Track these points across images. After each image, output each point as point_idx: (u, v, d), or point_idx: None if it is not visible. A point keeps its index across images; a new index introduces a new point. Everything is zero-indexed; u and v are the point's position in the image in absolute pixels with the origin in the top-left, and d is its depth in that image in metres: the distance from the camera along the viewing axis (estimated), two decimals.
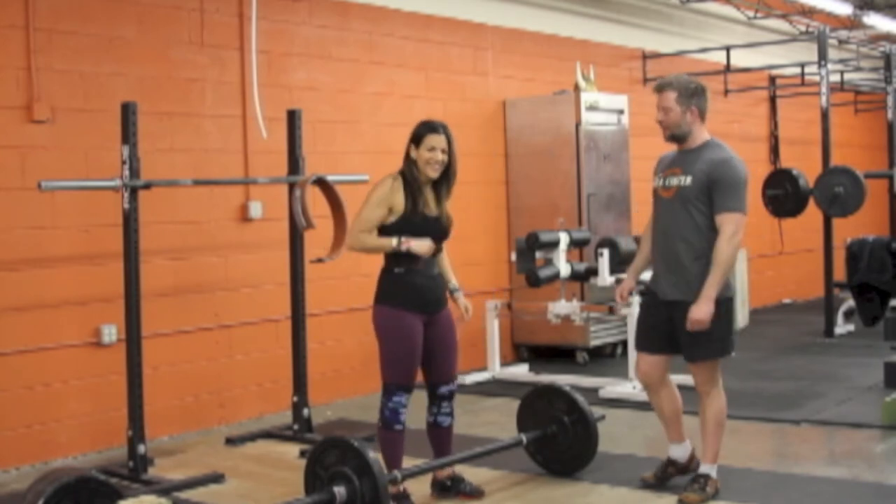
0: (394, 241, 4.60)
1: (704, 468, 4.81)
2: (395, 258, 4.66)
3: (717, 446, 4.80)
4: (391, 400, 4.67)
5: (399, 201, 4.64)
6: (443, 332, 4.79)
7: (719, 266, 4.56)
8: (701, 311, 4.55)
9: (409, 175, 4.68)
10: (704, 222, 4.63)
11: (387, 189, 4.65)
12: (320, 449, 4.42)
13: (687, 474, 4.92)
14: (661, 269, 4.80)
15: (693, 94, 4.72)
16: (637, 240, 6.31)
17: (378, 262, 4.79)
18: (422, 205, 4.66)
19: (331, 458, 4.33)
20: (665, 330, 4.78)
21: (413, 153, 4.69)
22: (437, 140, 4.65)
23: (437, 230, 4.72)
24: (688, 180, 4.66)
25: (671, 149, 4.89)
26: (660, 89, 4.77)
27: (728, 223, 4.58)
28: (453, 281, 4.95)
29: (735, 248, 4.59)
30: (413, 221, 4.64)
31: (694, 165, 4.67)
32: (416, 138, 4.69)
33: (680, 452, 4.96)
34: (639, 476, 5.05)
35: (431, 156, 4.65)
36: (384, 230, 4.66)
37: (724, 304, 4.70)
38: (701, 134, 4.76)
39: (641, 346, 5.01)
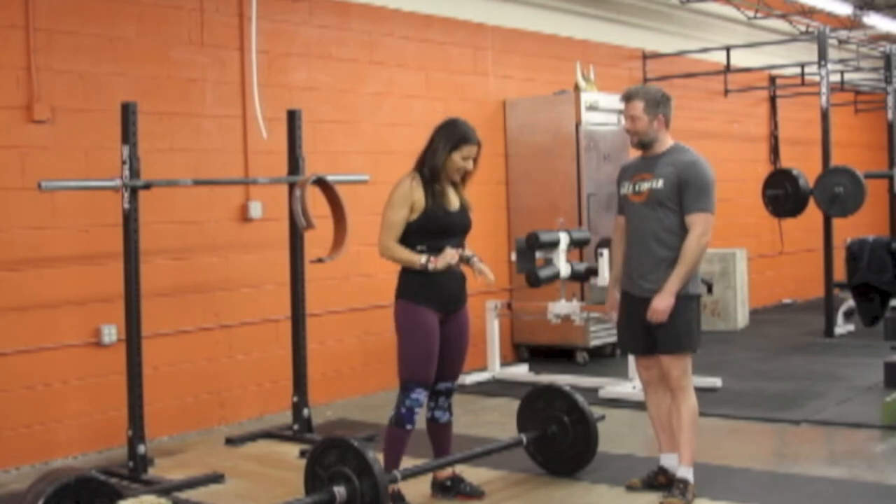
0: (422, 259, 4.58)
1: (683, 472, 4.81)
2: (419, 256, 4.67)
3: (693, 446, 4.84)
4: (409, 398, 4.64)
5: (419, 198, 4.65)
6: (458, 331, 4.79)
7: (685, 262, 4.69)
8: (662, 302, 4.67)
9: (431, 173, 4.68)
10: (676, 222, 4.75)
11: (406, 188, 4.66)
12: (320, 449, 4.42)
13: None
14: (636, 270, 4.86)
15: (659, 104, 4.85)
16: None
17: (378, 262, 4.79)
18: (443, 200, 4.69)
19: (331, 458, 4.33)
20: (644, 328, 4.82)
21: (443, 152, 4.66)
22: (472, 150, 4.72)
23: (460, 223, 4.76)
24: (659, 183, 4.77)
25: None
26: (627, 99, 4.88)
27: (698, 223, 4.71)
28: (467, 250, 4.87)
29: (703, 247, 4.73)
30: (437, 216, 4.66)
31: (663, 169, 4.80)
32: (455, 144, 4.67)
33: (672, 462, 4.94)
34: (634, 479, 5.03)
35: (464, 165, 4.71)
36: (408, 228, 4.66)
37: (695, 300, 4.84)
38: (666, 140, 4.90)
39: (631, 349, 5.10)
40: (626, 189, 4.92)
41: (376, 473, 4.20)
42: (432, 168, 4.68)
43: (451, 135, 4.69)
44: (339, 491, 4.22)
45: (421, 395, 4.67)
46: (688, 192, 4.72)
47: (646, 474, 5.01)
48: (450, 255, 4.62)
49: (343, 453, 4.30)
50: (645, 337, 4.84)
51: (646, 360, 4.95)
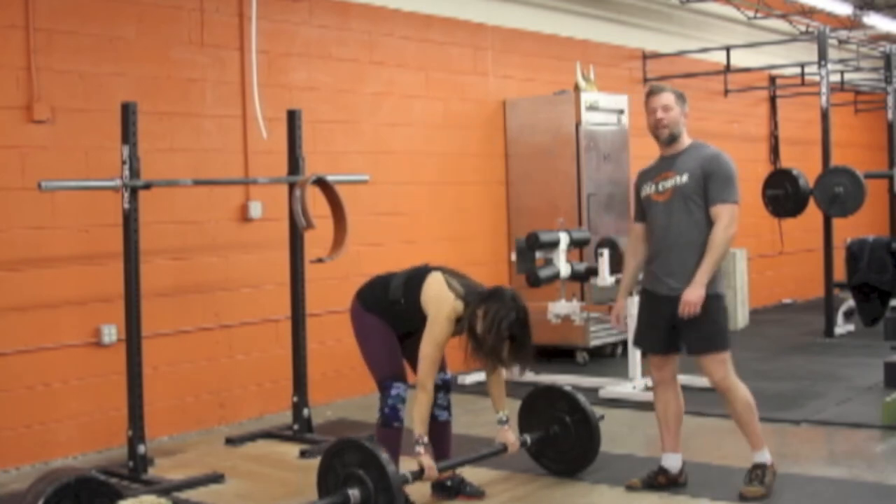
0: (420, 448, 4.53)
1: (757, 457, 4.84)
2: (404, 296, 4.67)
3: (757, 430, 4.85)
4: (389, 396, 4.68)
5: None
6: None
7: (713, 253, 4.70)
8: (693, 294, 4.66)
9: (465, 324, 4.53)
10: (703, 216, 4.76)
11: (449, 328, 4.57)
12: (339, 447, 4.38)
13: (676, 486, 4.93)
14: (663, 269, 4.84)
15: (683, 99, 4.92)
16: None
17: (378, 263, 4.79)
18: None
19: (350, 458, 4.30)
20: (667, 327, 4.82)
21: (496, 338, 4.46)
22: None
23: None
24: (684, 178, 4.78)
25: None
26: (658, 91, 4.92)
27: (724, 213, 4.73)
28: (501, 412, 4.89)
29: (730, 237, 4.74)
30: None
31: (687, 164, 4.81)
32: (503, 338, 4.49)
33: (673, 462, 4.96)
34: (634, 479, 5.03)
35: (492, 352, 4.53)
36: (395, 312, 4.69)
37: (722, 300, 4.85)
38: (686, 137, 4.92)
39: (649, 347, 5.07)
40: (649, 190, 4.90)
41: (391, 476, 4.18)
42: (471, 329, 4.51)
43: (511, 332, 4.49)
44: (354, 493, 4.21)
45: (400, 388, 4.69)
46: (712, 183, 4.73)
47: (646, 474, 5.01)
48: (429, 472, 4.56)
49: (360, 456, 4.26)
50: (666, 336, 4.84)
51: (661, 359, 4.96)
